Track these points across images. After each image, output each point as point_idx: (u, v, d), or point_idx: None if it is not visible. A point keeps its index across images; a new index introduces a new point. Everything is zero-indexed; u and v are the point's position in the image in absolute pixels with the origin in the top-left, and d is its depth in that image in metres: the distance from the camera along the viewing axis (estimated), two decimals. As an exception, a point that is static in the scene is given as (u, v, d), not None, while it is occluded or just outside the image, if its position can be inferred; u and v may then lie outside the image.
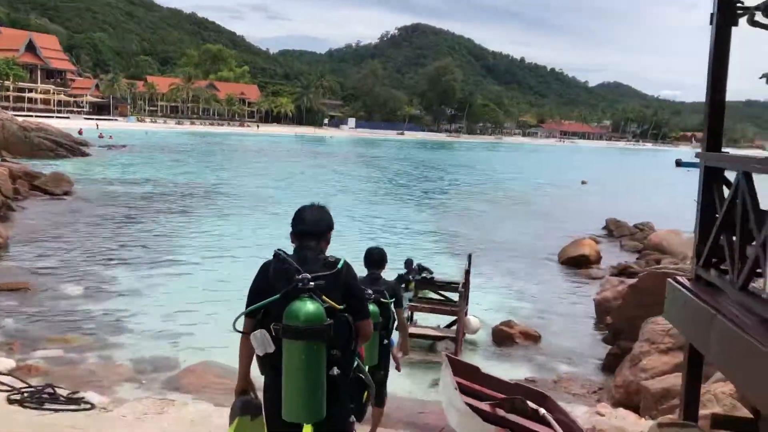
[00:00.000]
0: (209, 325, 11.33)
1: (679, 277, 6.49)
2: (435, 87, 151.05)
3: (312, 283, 3.10)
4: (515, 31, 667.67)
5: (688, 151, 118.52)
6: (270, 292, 3.16)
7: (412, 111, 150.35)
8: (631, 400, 8.21)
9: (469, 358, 10.15)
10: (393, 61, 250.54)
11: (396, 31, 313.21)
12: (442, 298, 11.43)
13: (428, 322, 11.44)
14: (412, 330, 10.57)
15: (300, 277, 3.11)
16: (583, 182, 46.15)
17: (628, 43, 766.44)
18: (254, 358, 3.34)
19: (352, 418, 3.54)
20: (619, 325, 9.91)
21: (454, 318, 11.23)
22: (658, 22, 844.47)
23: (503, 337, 11.05)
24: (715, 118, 5.77)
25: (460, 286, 10.61)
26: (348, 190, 35.14)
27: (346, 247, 17.80)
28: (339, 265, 3.24)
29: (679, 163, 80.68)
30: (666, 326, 8.62)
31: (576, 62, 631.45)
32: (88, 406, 6.45)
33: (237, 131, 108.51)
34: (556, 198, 36.15)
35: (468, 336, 11.02)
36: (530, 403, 5.90)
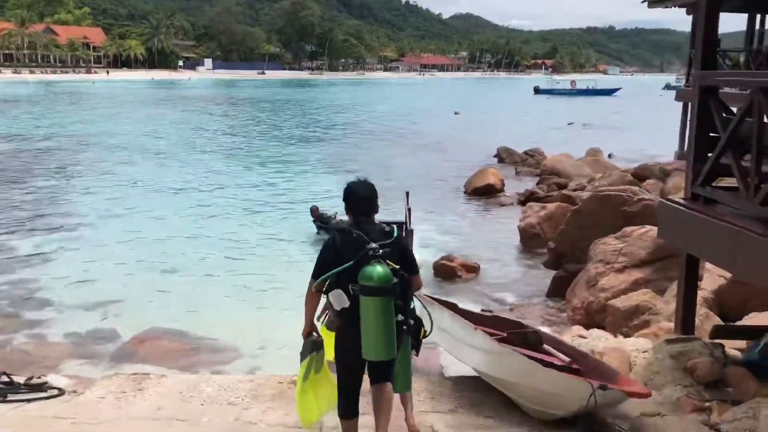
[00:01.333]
0: (132, 288, 10.55)
1: (672, 197, 6.66)
2: (293, 23, 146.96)
3: (381, 251, 3.81)
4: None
5: (542, 78, 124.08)
6: (339, 260, 3.84)
7: (272, 49, 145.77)
8: (592, 319, 8.49)
9: (420, 295, 10.10)
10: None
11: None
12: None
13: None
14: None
15: (371, 246, 3.80)
16: (456, 113, 47.13)
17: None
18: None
19: (413, 352, 4.35)
20: (561, 249, 10.19)
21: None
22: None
23: (445, 272, 11.08)
24: (709, 35, 5.77)
25: (407, 225, 10.42)
26: (232, 136, 33.80)
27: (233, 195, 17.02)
28: (395, 234, 3.97)
29: (537, 91, 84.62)
30: (617, 246, 8.94)
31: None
32: (56, 391, 5.71)
33: (86, 78, 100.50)
34: (437, 130, 36.61)
35: (410, 274, 10.93)
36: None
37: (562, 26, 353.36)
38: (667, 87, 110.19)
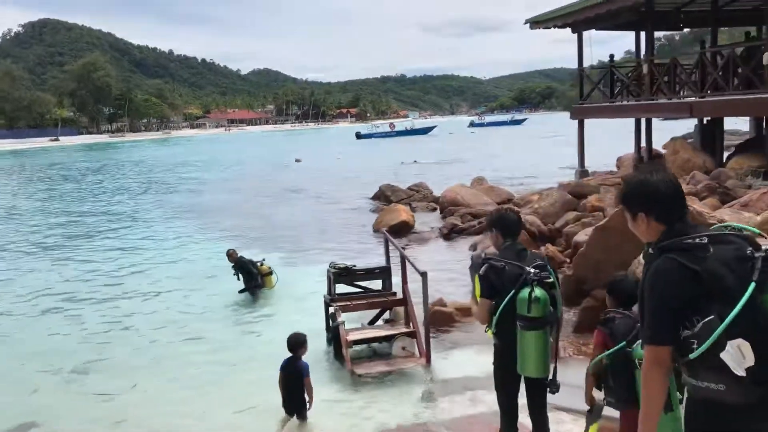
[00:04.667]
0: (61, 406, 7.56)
1: None
2: (86, 85, 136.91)
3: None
4: (158, 23, 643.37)
5: (350, 126, 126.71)
6: (718, 293, 2.45)
7: (65, 113, 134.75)
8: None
9: (436, 354, 8.20)
10: (24, 61, 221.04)
11: (20, 28, 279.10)
12: (362, 290, 9.17)
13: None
14: (354, 335, 8.23)
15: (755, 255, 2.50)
16: (297, 160, 45.59)
17: (273, 30, 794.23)
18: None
19: None
20: (582, 275, 8.82)
21: (377, 311, 9.13)
22: (299, 7, 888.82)
23: (442, 320, 9.27)
24: None
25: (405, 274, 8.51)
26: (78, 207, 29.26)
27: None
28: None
29: (359, 135, 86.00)
30: (675, 261, 7.71)
31: (225, 51, 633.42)
32: None
33: None
34: (289, 178, 34.54)
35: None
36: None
37: (357, 77, 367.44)
38: (472, 124, 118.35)
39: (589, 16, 16.43)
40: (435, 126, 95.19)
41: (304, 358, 6.67)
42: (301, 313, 10.46)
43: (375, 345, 8.59)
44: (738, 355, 2.42)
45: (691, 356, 2.47)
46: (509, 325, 4.38)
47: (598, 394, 4.37)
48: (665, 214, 2.67)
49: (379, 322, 9.16)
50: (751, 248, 2.52)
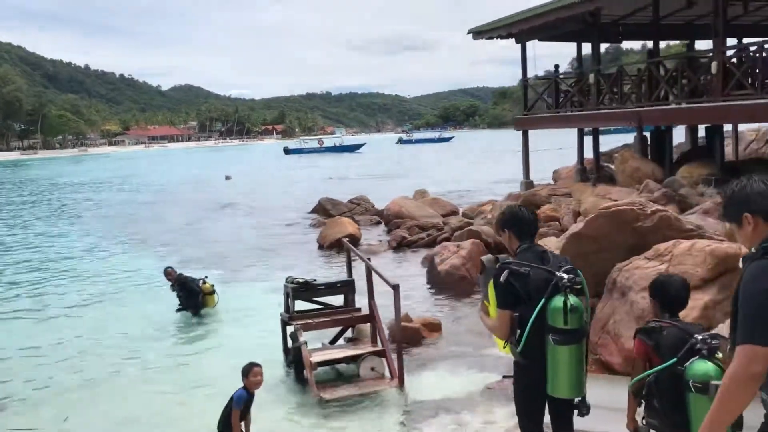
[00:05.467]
0: None
1: None
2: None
3: None
4: (73, 37, 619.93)
5: (277, 143, 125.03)
6: None
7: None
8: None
9: (407, 374, 7.53)
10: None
11: None
12: (322, 306, 8.42)
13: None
14: (318, 356, 7.48)
15: None
16: (228, 177, 44.02)
17: (194, 45, 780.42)
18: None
19: None
20: (557, 285, 8.35)
21: (339, 328, 8.42)
22: (221, 23, 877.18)
23: (410, 337, 8.62)
24: None
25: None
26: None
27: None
28: None
29: (287, 151, 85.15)
30: (658, 267, 7.36)
31: (145, 67, 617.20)
32: None
33: None
34: (221, 195, 33.00)
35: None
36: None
37: (282, 93, 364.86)
38: (400, 141, 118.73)
39: (534, 26, 16.29)
40: (364, 143, 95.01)
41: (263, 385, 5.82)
42: (247, 332, 9.82)
43: (340, 366, 7.88)
44: None
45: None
46: (538, 339, 3.77)
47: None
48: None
49: (340, 341, 8.46)
50: None
